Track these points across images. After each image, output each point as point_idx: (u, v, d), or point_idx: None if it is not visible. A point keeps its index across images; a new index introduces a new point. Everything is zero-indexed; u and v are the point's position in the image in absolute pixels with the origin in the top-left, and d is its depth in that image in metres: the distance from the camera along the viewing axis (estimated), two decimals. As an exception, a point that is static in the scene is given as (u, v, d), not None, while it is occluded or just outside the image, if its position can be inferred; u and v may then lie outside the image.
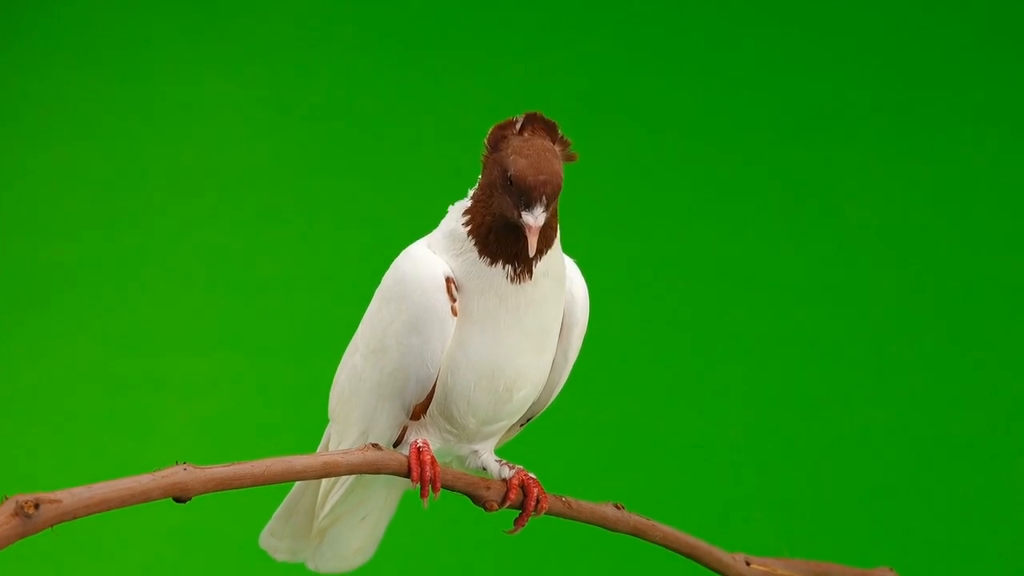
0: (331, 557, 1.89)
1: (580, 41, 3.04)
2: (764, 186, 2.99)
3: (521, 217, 1.59)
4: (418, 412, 1.67)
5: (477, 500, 1.69)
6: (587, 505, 1.75)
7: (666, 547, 1.79)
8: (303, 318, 2.90)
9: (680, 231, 2.97)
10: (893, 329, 2.93)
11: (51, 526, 1.45)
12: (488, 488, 1.69)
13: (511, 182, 1.59)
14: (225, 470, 1.54)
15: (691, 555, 1.81)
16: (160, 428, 2.83)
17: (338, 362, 1.79)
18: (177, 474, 1.51)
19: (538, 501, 1.70)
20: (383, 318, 1.67)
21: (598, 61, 3.02)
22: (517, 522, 1.71)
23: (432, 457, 1.65)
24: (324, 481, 1.78)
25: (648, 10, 3.05)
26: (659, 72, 3.03)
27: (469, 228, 1.63)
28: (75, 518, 1.46)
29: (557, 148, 1.64)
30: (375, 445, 1.63)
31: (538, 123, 1.64)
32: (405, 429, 1.69)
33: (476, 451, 1.73)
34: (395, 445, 1.69)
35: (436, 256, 1.65)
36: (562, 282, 1.68)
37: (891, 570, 1.92)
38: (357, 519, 1.85)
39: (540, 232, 1.60)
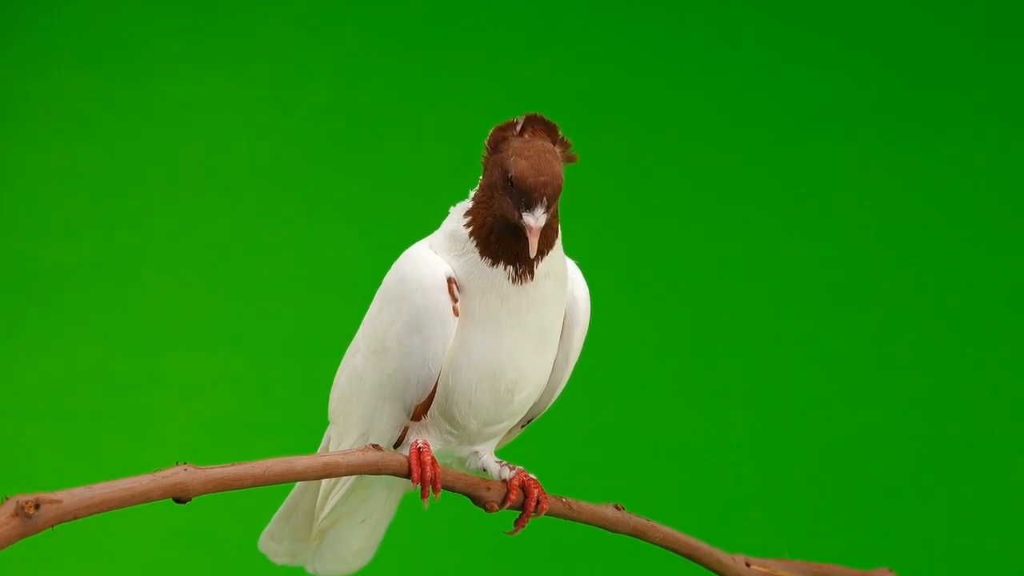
0: (331, 559, 1.89)
1: (580, 41, 3.04)
2: (764, 186, 2.99)
3: (522, 218, 1.59)
4: (419, 413, 1.67)
5: (477, 501, 1.69)
6: (587, 506, 1.75)
7: (666, 548, 1.79)
8: (303, 318, 2.90)
9: (680, 231, 2.97)
10: (893, 329, 2.93)
11: (51, 526, 1.45)
12: (488, 489, 1.69)
13: (512, 183, 1.59)
14: (225, 470, 1.54)
15: (691, 556, 1.81)
16: (160, 428, 2.83)
17: (338, 362, 1.79)
18: (177, 474, 1.51)
19: (538, 502, 1.70)
20: (384, 319, 1.67)
21: (598, 61, 3.02)
22: (517, 523, 1.71)
23: (433, 458, 1.65)
24: (324, 482, 1.78)
25: (648, 10, 3.05)
26: (659, 72, 3.03)
27: (470, 229, 1.63)
28: (75, 518, 1.46)
29: (558, 149, 1.64)
30: (375, 446, 1.63)
31: (539, 124, 1.64)
32: (406, 430, 1.69)
33: (476, 452, 1.73)
34: (395, 446, 1.69)
35: (437, 257, 1.65)
36: (563, 284, 1.68)
37: (891, 571, 1.92)
38: (357, 521, 1.85)
39: (541, 233, 1.60)
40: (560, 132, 1.65)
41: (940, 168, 2.99)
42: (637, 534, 1.78)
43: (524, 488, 1.69)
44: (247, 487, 1.56)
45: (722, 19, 3.05)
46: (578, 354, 1.75)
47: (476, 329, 1.63)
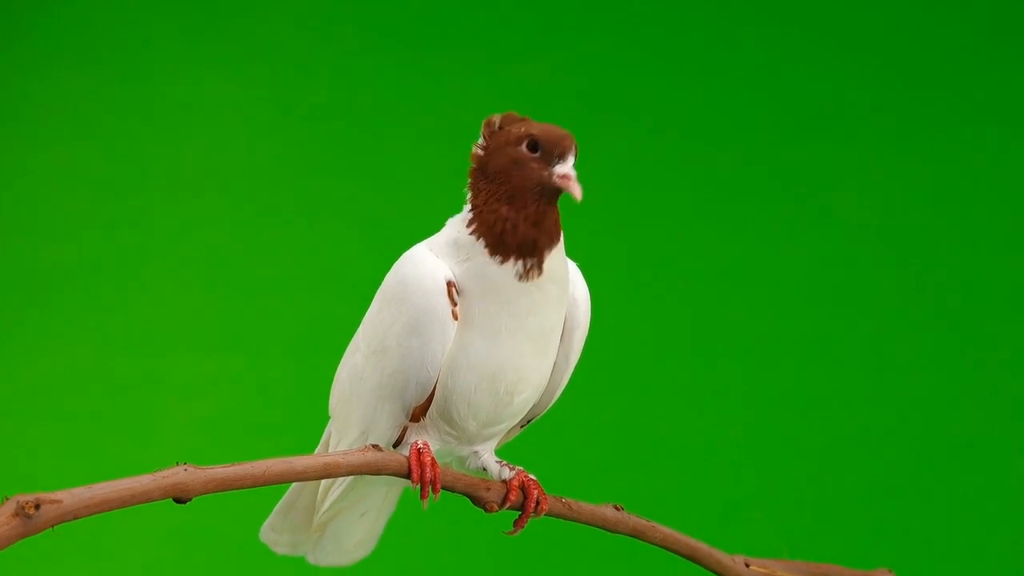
0: (332, 550, 1.89)
1: (580, 41, 3.04)
2: (764, 186, 2.99)
3: (554, 174, 1.61)
4: (418, 414, 1.67)
5: (477, 501, 1.69)
6: (587, 506, 1.75)
7: (666, 548, 1.79)
8: (303, 318, 2.90)
9: (680, 231, 2.97)
10: (893, 329, 2.93)
11: (51, 526, 1.45)
12: (488, 489, 1.69)
13: (538, 143, 1.61)
14: (225, 470, 1.54)
15: (691, 556, 1.81)
16: (160, 428, 2.83)
17: (338, 362, 1.79)
18: (177, 474, 1.51)
19: (538, 502, 1.70)
20: (384, 319, 1.67)
21: (598, 61, 3.02)
22: (517, 523, 1.71)
23: (432, 458, 1.65)
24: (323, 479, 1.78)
25: (648, 10, 3.05)
26: (659, 72, 3.03)
27: (477, 233, 1.63)
28: (75, 518, 1.46)
29: None
30: (375, 446, 1.63)
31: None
32: (405, 429, 1.69)
33: (476, 452, 1.73)
34: (395, 445, 1.69)
35: (438, 259, 1.65)
36: (565, 286, 1.68)
37: (891, 572, 1.92)
38: (357, 515, 1.85)
39: (546, 229, 1.61)
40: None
41: (940, 168, 2.99)
42: (637, 534, 1.78)
43: (524, 488, 1.70)
44: (247, 487, 1.56)
45: (722, 19, 3.05)
46: (578, 356, 1.75)
47: (476, 333, 1.63)
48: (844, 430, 2.88)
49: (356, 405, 1.71)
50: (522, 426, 1.79)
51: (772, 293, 2.94)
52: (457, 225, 1.67)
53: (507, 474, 1.70)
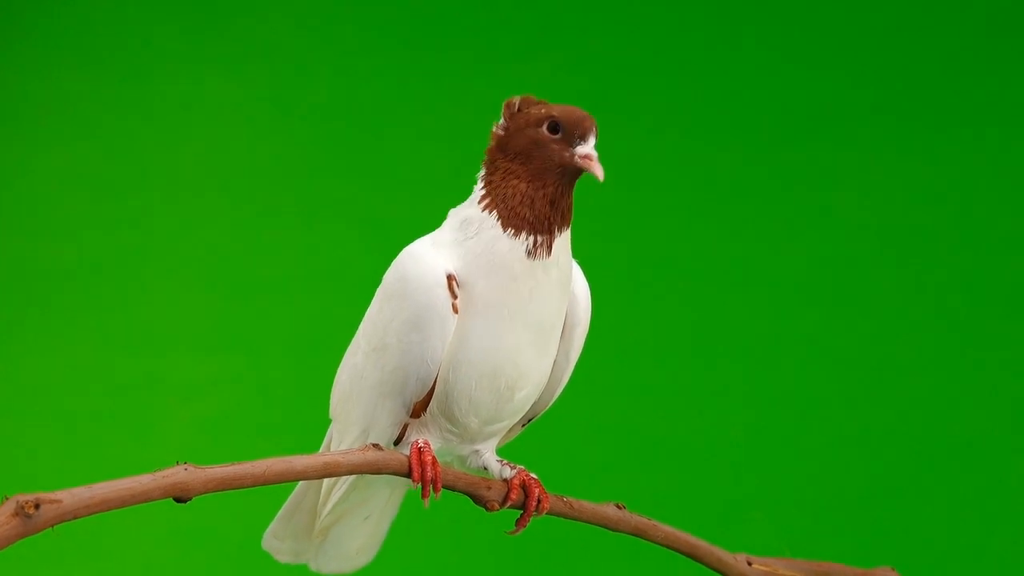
0: (334, 557, 1.89)
1: (580, 41, 3.04)
2: (764, 186, 2.99)
3: (576, 154, 1.61)
4: (418, 410, 1.67)
5: (478, 500, 1.69)
6: (588, 505, 1.75)
7: (668, 547, 1.79)
8: (303, 318, 2.90)
9: (680, 231, 2.97)
10: (893, 329, 2.93)
11: (51, 526, 1.45)
12: (489, 488, 1.69)
13: (558, 125, 1.62)
14: (226, 470, 1.54)
15: (693, 555, 1.81)
16: (160, 428, 2.83)
17: (338, 362, 1.79)
18: (178, 474, 1.51)
19: (539, 501, 1.69)
20: (384, 316, 1.67)
21: (598, 61, 3.02)
22: (518, 522, 1.71)
23: (433, 457, 1.64)
24: (326, 480, 1.78)
25: (648, 10, 3.05)
26: (659, 72, 3.03)
27: (489, 205, 1.63)
28: (75, 518, 1.46)
29: None
30: (376, 445, 1.63)
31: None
32: (406, 427, 1.69)
33: (477, 451, 1.73)
34: (396, 443, 1.69)
35: (438, 253, 1.65)
36: (568, 275, 1.68)
37: (892, 570, 1.92)
38: (360, 519, 1.85)
39: (560, 210, 1.62)
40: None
41: (940, 168, 2.99)
42: (638, 533, 1.77)
43: (525, 487, 1.69)
44: (247, 487, 1.56)
45: (722, 19, 3.05)
46: (579, 353, 1.75)
47: (477, 321, 1.63)
48: (844, 430, 2.89)
49: (356, 403, 1.71)
50: (523, 425, 1.79)
51: (772, 293, 2.94)
52: (465, 207, 1.66)
53: (508, 473, 1.70)
